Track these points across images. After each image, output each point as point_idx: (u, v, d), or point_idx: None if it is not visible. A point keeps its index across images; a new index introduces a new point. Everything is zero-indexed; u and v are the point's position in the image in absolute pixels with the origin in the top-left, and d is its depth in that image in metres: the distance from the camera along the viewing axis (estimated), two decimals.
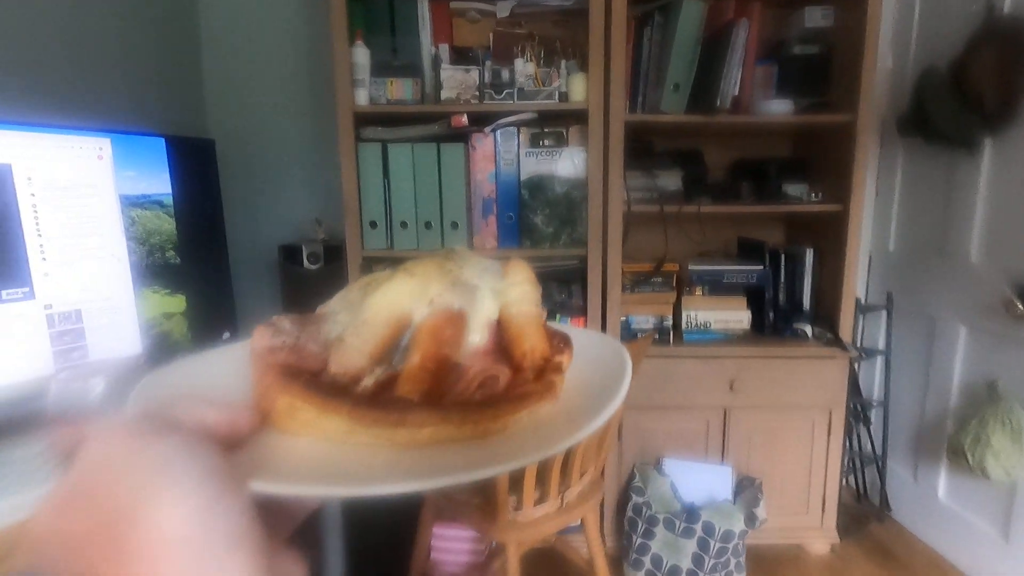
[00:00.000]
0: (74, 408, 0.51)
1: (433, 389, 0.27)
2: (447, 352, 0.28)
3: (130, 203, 0.88)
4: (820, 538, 1.74)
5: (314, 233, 1.70)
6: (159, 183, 0.92)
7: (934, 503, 1.74)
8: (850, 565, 1.70)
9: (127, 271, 0.88)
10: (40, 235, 0.79)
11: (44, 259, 0.79)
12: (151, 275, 0.91)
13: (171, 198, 0.94)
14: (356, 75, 1.52)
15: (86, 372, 0.52)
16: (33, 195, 0.78)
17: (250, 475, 0.21)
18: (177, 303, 0.95)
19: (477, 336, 0.29)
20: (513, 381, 0.28)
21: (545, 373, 0.29)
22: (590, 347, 0.33)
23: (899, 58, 1.83)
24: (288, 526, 0.26)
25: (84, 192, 0.83)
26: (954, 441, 1.54)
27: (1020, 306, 1.40)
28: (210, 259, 1.01)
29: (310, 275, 1.62)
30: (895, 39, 1.84)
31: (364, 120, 1.58)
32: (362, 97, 1.53)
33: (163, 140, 0.92)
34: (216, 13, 1.81)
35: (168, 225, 0.94)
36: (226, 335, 1.02)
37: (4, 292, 0.75)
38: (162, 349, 0.93)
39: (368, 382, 0.27)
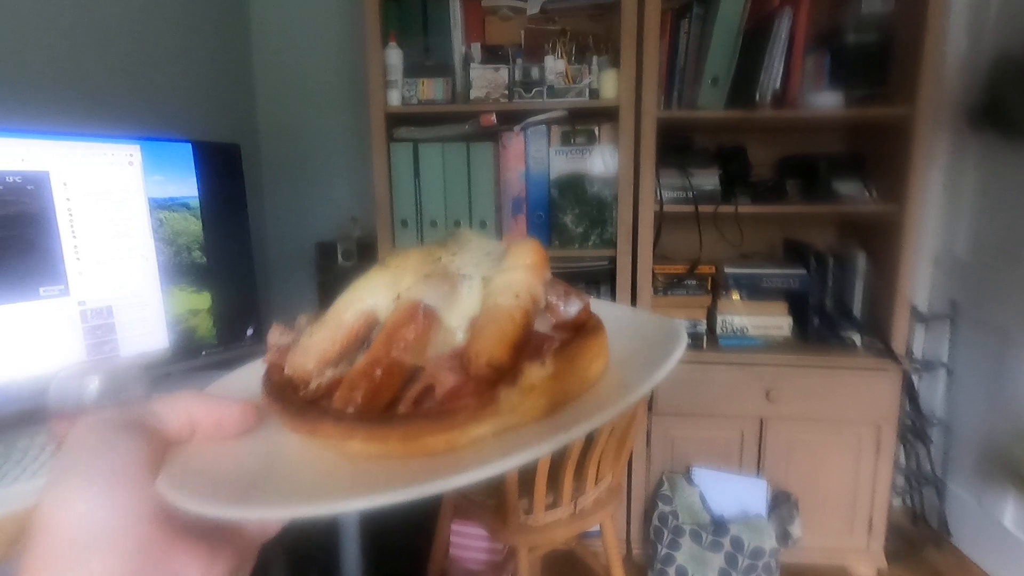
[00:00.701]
0: (71, 405, 0.55)
1: (374, 398, 0.23)
2: (398, 355, 0.24)
3: (158, 205, 0.94)
4: (866, 561, 1.63)
5: (350, 231, 1.75)
6: (186, 186, 0.97)
7: (998, 530, 1.59)
8: None
9: (155, 270, 0.94)
10: (75, 236, 0.85)
11: (78, 259, 0.85)
12: (178, 274, 0.97)
13: (197, 200, 0.99)
14: (389, 76, 1.55)
15: (82, 371, 0.56)
16: (68, 199, 0.84)
17: (167, 481, 0.20)
18: (203, 300, 1.00)
19: (460, 335, 0.25)
20: (456, 392, 0.23)
21: (495, 384, 0.23)
22: (636, 328, 0.30)
23: (974, 42, 1.67)
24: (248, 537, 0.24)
25: (115, 196, 0.89)
26: (1015, 464, 1.40)
27: None
28: (235, 258, 1.06)
29: (344, 272, 1.67)
30: (971, 21, 1.68)
31: (396, 120, 1.61)
32: (394, 98, 1.56)
33: (190, 145, 0.97)
34: (267, 21, 1.89)
35: (195, 226, 0.99)
36: (250, 331, 1.07)
37: (41, 289, 0.82)
38: (188, 344, 0.99)
39: (312, 386, 0.25)
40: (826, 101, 1.51)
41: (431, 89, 1.57)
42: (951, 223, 1.78)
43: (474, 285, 0.26)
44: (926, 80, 1.42)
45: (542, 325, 0.27)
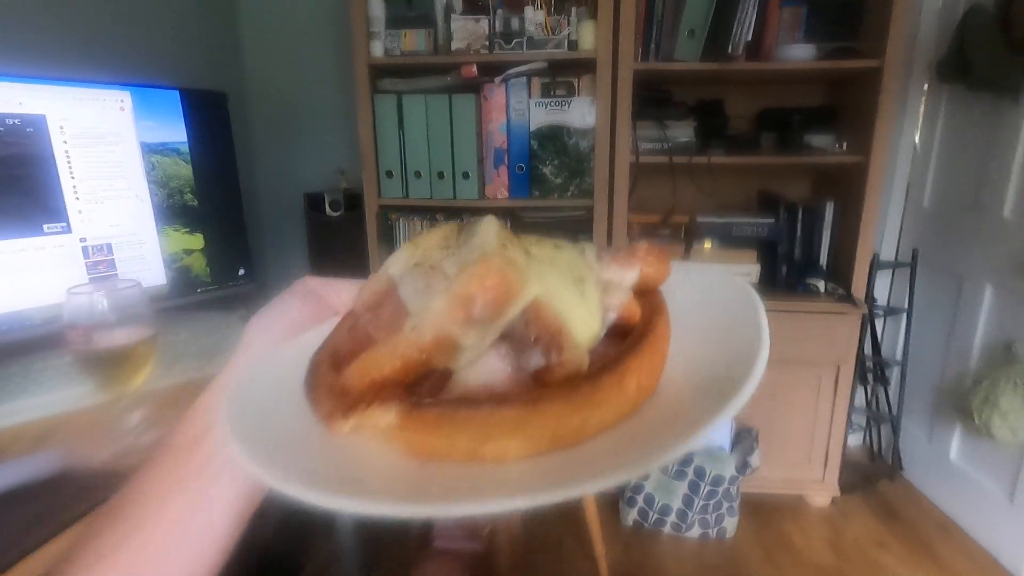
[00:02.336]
0: (84, 318, 0.62)
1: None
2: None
3: (150, 150, 0.99)
4: (821, 491, 1.76)
5: (337, 182, 1.80)
6: (176, 132, 1.02)
7: (945, 464, 1.72)
8: (849, 518, 1.72)
9: (150, 211, 1.00)
10: (73, 177, 0.91)
11: (77, 198, 0.91)
12: (172, 215, 1.03)
13: (187, 146, 1.04)
14: (372, 27, 1.57)
15: (93, 289, 0.63)
16: (65, 142, 0.89)
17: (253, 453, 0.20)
18: (196, 241, 1.07)
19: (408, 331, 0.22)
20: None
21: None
22: (703, 290, 0.27)
23: None
24: None
25: (109, 140, 0.95)
26: (964, 401, 1.51)
27: None
28: (225, 201, 1.12)
29: (332, 222, 1.73)
30: None
31: (380, 72, 1.64)
32: (377, 49, 1.59)
33: (177, 92, 1.02)
34: None
35: (185, 170, 1.04)
36: (241, 271, 1.14)
37: (46, 226, 0.88)
38: (184, 281, 1.06)
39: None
40: (800, 54, 1.55)
41: (413, 40, 1.59)
42: (920, 175, 1.84)
43: (436, 289, 0.22)
44: (895, 34, 1.46)
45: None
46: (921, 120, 1.84)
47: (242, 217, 1.16)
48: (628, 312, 0.24)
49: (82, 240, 0.92)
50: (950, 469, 1.70)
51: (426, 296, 0.22)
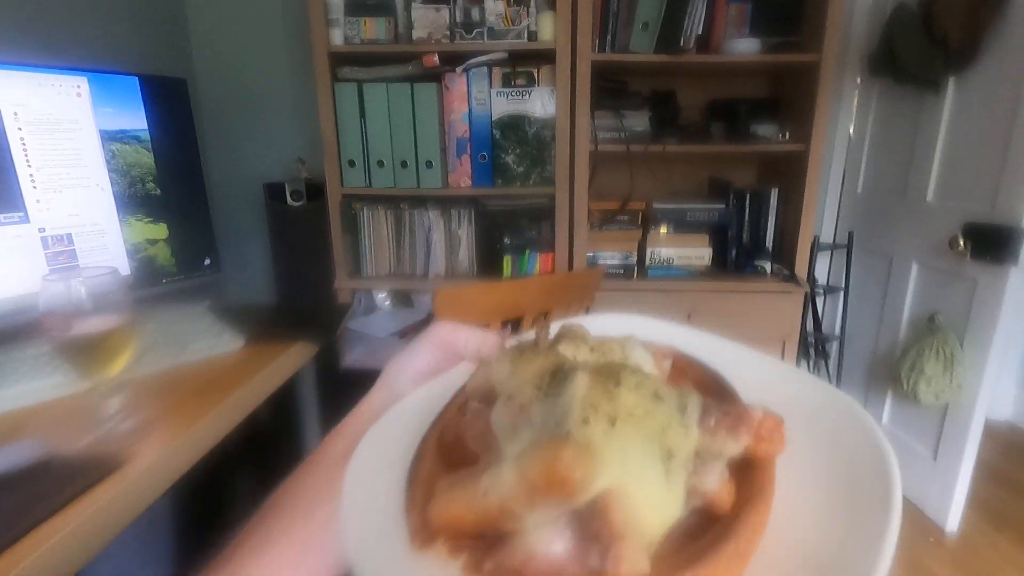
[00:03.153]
0: (60, 304, 0.62)
1: None
2: None
3: (110, 137, 0.97)
4: None
5: (297, 172, 1.78)
6: (135, 119, 1.00)
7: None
8: None
9: (111, 200, 0.98)
10: (30, 166, 0.88)
11: (35, 187, 0.89)
12: (134, 204, 1.01)
13: (148, 133, 1.02)
14: (330, 14, 1.56)
15: (68, 276, 0.63)
16: (20, 129, 0.87)
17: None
18: (159, 231, 1.05)
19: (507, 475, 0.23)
20: None
21: None
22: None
23: None
24: None
25: (67, 127, 0.92)
26: (894, 369, 1.65)
27: (962, 243, 1.47)
28: (189, 191, 1.10)
29: (294, 212, 1.71)
30: None
31: (340, 60, 1.63)
32: (337, 37, 1.58)
33: (136, 79, 1.00)
34: None
35: (147, 159, 1.03)
36: (207, 261, 1.13)
37: (2, 216, 0.86)
38: (149, 271, 1.04)
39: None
40: (746, 47, 1.63)
41: (373, 28, 1.59)
42: (855, 163, 1.98)
43: (520, 436, 0.22)
44: (831, 30, 1.56)
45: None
46: (855, 112, 1.97)
47: (206, 206, 1.14)
48: (720, 496, 0.21)
49: (41, 230, 0.90)
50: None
51: (511, 438, 0.22)
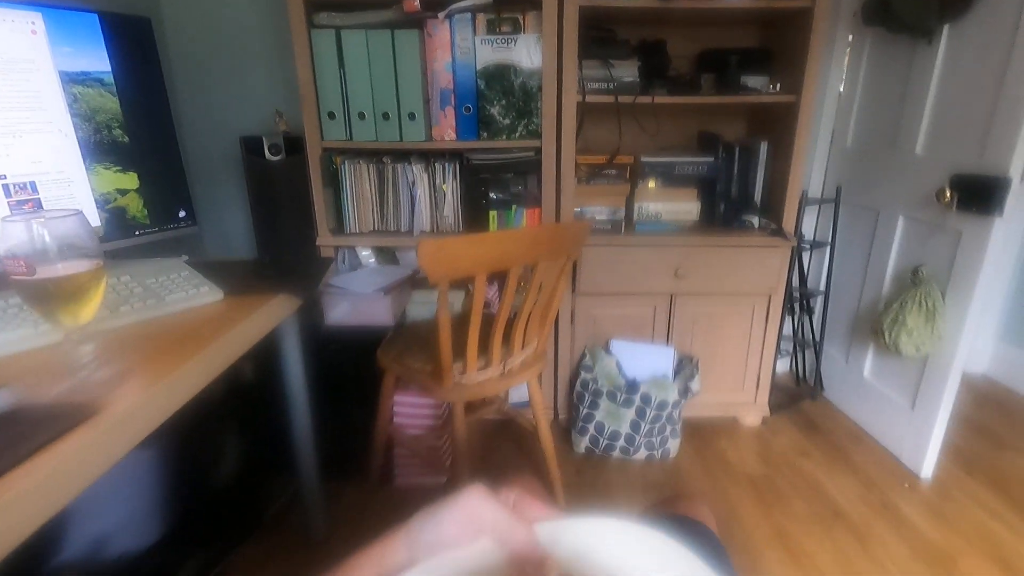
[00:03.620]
0: (22, 247, 0.59)
1: None
2: None
3: (71, 80, 0.92)
4: (753, 412, 1.93)
5: (275, 125, 1.72)
6: (97, 60, 0.95)
7: (859, 382, 1.91)
8: (778, 434, 1.90)
9: (75, 146, 0.93)
10: None
11: None
12: (101, 152, 0.97)
13: (111, 76, 0.97)
14: None
15: (29, 217, 0.60)
16: None
17: None
18: (130, 180, 1.01)
19: None
20: None
21: None
22: None
23: None
24: None
25: (23, 67, 0.87)
26: (876, 322, 1.67)
27: (948, 195, 1.47)
28: (159, 140, 1.06)
29: (273, 166, 1.66)
30: None
31: (317, 5, 1.56)
32: None
33: (96, 16, 0.94)
34: None
35: (112, 104, 0.97)
36: (182, 213, 1.10)
37: None
38: (121, 223, 1.01)
39: None
40: None
41: None
42: (844, 115, 1.96)
43: None
44: None
45: None
46: (847, 63, 1.94)
47: (179, 156, 1.10)
48: None
49: (2, 177, 0.86)
50: (863, 386, 1.90)
51: None
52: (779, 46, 1.77)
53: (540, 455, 1.55)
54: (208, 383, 0.77)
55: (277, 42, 1.82)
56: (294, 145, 1.68)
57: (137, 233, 1.04)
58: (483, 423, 1.93)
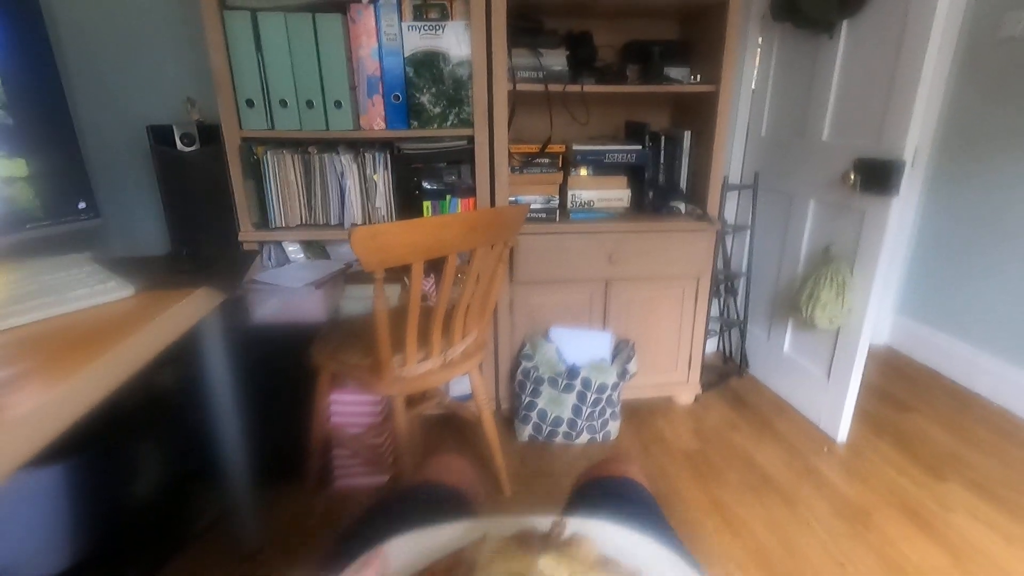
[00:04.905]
0: None
1: None
2: None
3: None
4: (687, 391, 2.01)
5: (187, 113, 1.61)
6: None
7: (780, 356, 2.03)
8: (709, 410, 1.98)
9: None
10: None
11: None
12: None
13: None
14: None
15: None
16: None
17: None
18: (17, 167, 0.91)
19: None
20: None
21: None
22: None
23: None
24: None
25: None
26: (794, 299, 1.78)
27: (853, 177, 1.59)
28: (51, 124, 0.96)
29: (186, 157, 1.55)
30: None
31: None
32: None
33: None
34: None
35: None
36: (81, 204, 1.00)
37: None
38: (8, 215, 0.90)
39: None
40: None
41: None
42: (759, 105, 2.07)
43: None
44: None
45: None
46: (758, 58, 2.05)
47: (75, 143, 1.00)
48: None
49: None
50: (784, 361, 2.02)
51: None
52: (698, 38, 1.85)
53: (484, 446, 1.54)
54: (119, 385, 0.70)
55: (185, 23, 1.69)
56: (209, 135, 1.58)
57: (29, 226, 0.93)
58: (425, 418, 1.89)
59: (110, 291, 0.84)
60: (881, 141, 1.53)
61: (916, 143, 1.46)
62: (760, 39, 2.02)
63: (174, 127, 1.53)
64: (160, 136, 1.54)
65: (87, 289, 0.83)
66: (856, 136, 1.62)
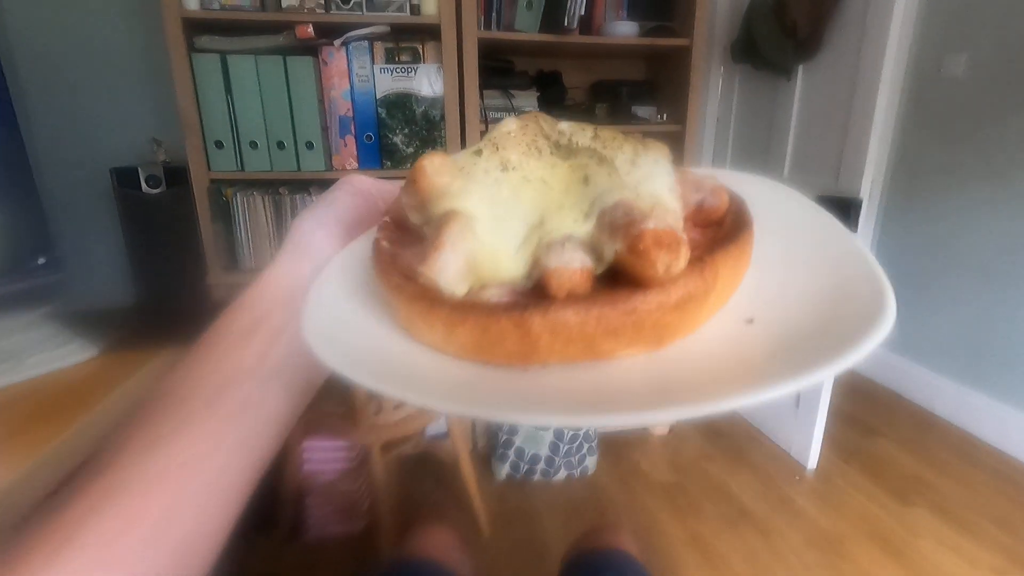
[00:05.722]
0: None
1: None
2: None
3: None
4: (662, 423, 2.02)
5: (153, 154, 1.57)
6: None
7: None
8: (684, 441, 2.00)
9: None
10: None
11: None
12: None
13: None
14: None
15: None
16: None
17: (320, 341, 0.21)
18: None
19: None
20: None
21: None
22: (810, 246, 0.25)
23: None
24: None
25: None
26: None
27: None
28: (6, 170, 0.92)
29: (151, 200, 1.51)
30: None
31: (197, 27, 1.45)
32: (191, 1, 1.40)
33: None
34: None
35: None
36: (40, 260, 0.96)
37: None
38: None
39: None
40: (625, 30, 1.69)
41: None
42: (723, 142, 2.15)
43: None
44: (700, 16, 1.66)
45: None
46: (720, 95, 2.13)
47: (34, 191, 0.96)
48: (713, 206, 0.24)
49: None
50: None
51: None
52: (664, 79, 1.91)
53: (461, 487, 1.52)
54: (79, 463, 0.67)
55: (151, 65, 1.67)
56: (176, 176, 1.54)
57: None
58: (400, 459, 1.86)
59: (71, 354, 0.81)
60: (839, 180, 1.59)
61: (871, 181, 1.54)
62: (722, 80, 2.10)
63: (139, 169, 1.50)
64: (124, 178, 1.50)
65: (46, 354, 0.79)
66: (815, 174, 1.69)
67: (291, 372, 0.25)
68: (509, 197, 0.23)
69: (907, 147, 2.19)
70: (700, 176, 0.25)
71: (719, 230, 0.23)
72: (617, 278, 0.20)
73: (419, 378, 0.21)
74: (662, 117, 1.83)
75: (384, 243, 0.25)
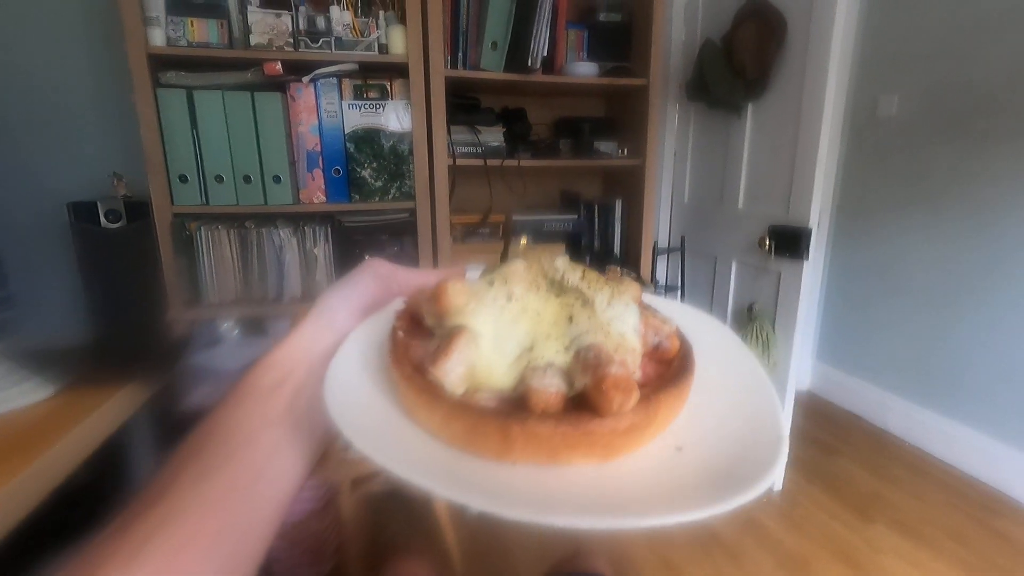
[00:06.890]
0: None
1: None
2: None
3: None
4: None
5: (112, 189, 1.54)
6: None
7: None
8: None
9: None
10: None
11: None
12: None
13: None
14: (147, 11, 1.38)
15: None
16: None
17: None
18: None
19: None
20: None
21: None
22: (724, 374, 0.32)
23: (690, 31, 2.09)
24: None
25: None
26: None
27: (767, 243, 1.74)
28: None
29: (111, 235, 1.47)
30: (686, 14, 2.10)
31: (163, 63, 1.45)
32: (157, 37, 1.40)
33: None
34: None
35: None
36: None
37: None
38: None
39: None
40: (585, 70, 1.77)
41: (203, 31, 1.44)
42: (680, 176, 2.24)
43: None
44: (656, 57, 1.76)
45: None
46: (677, 130, 2.24)
47: None
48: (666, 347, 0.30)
49: None
50: None
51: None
52: (623, 115, 2.00)
53: (433, 523, 1.49)
54: (38, 503, 0.64)
55: (111, 100, 1.65)
56: (137, 211, 1.51)
57: None
58: (369, 497, 1.81)
59: (27, 393, 0.78)
60: (789, 211, 1.69)
61: (819, 211, 1.63)
62: (678, 116, 2.21)
63: (98, 203, 1.46)
64: (82, 213, 1.46)
65: (1, 393, 0.76)
66: (768, 206, 1.79)
67: (310, 424, 0.30)
68: (509, 323, 0.28)
69: (851, 179, 2.33)
70: (660, 320, 0.31)
71: (668, 368, 0.29)
72: (582, 402, 0.25)
73: (415, 459, 0.25)
74: (623, 152, 1.91)
75: (400, 333, 0.30)
